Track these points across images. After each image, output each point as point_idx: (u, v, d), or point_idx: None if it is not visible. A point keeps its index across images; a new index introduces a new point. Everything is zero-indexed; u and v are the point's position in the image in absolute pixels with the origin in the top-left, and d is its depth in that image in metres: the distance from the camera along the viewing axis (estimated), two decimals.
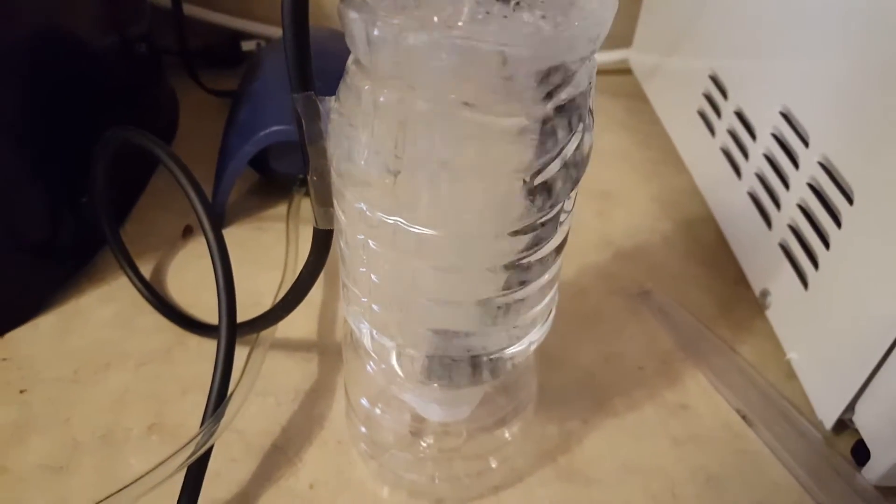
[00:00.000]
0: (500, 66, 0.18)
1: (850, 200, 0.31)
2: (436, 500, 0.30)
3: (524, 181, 0.20)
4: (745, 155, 0.40)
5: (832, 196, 0.32)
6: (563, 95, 0.20)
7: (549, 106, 0.19)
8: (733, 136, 0.42)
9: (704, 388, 0.35)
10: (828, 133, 0.33)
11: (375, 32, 0.18)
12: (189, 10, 0.56)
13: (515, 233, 0.21)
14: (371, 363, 0.28)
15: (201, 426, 0.28)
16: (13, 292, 0.36)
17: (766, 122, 0.37)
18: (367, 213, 0.22)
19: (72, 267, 0.39)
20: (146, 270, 0.40)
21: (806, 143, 0.34)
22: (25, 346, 0.35)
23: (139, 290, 0.38)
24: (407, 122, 0.19)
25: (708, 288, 0.41)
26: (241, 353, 0.32)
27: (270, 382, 0.34)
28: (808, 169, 0.34)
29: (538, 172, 0.20)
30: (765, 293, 0.38)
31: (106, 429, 0.32)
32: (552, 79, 0.18)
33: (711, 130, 0.45)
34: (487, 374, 0.25)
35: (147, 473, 0.26)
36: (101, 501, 0.25)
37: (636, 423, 0.34)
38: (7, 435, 0.31)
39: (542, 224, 0.22)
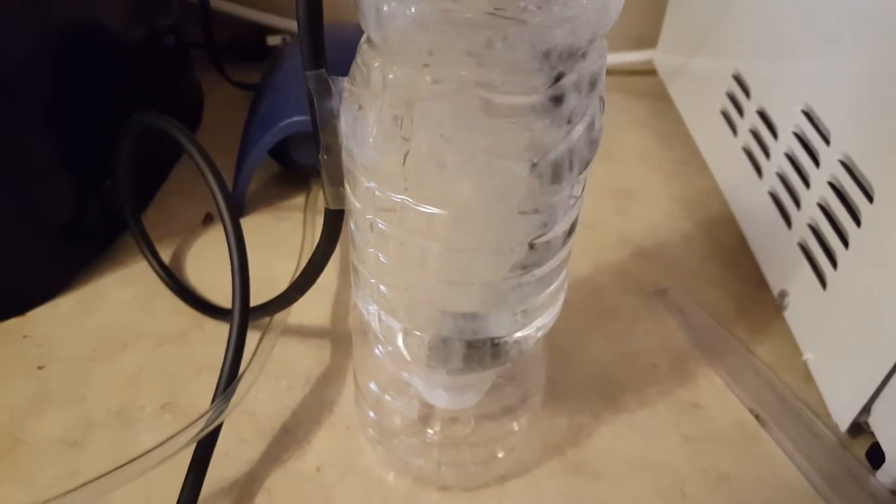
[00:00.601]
0: (504, 43, 0.18)
1: (870, 199, 0.30)
2: (441, 487, 0.30)
3: (532, 162, 0.20)
4: (767, 154, 0.40)
5: (852, 194, 0.31)
6: (572, 76, 0.20)
7: (559, 85, 0.19)
8: (755, 135, 0.41)
9: (718, 387, 0.35)
10: (849, 131, 0.32)
11: (385, 7, 0.18)
12: (216, 4, 0.57)
13: (523, 213, 0.21)
14: (379, 347, 0.28)
15: (211, 404, 0.29)
16: (36, 272, 0.37)
17: (788, 121, 0.37)
18: (377, 192, 0.22)
19: (94, 249, 0.40)
20: (166, 255, 0.40)
21: (827, 142, 0.33)
22: (46, 324, 0.36)
23: (158, 274, 0.38)
24: (415, 101, 0.19)
25: (727, 289, 0.40)
26: (254, 337, 0.32)
27: (283, 367, 0.34)
28: (829, 167, 0.33)
29: (546, 153, 0.20)
30: (783, 294, 0.37)
31: (120, 406, 0.32)
32: (560, 57, 0.19)
33: (734, 130, 0.44)
34: (494, 359, 0.25)
35: (156, 447, 0.26)
36: (110, 472, 0.25)
37: (647, 420, 0.33)
38: (25, 409, 0.32)
39: (551, 206, 0.22)
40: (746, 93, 0.42)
